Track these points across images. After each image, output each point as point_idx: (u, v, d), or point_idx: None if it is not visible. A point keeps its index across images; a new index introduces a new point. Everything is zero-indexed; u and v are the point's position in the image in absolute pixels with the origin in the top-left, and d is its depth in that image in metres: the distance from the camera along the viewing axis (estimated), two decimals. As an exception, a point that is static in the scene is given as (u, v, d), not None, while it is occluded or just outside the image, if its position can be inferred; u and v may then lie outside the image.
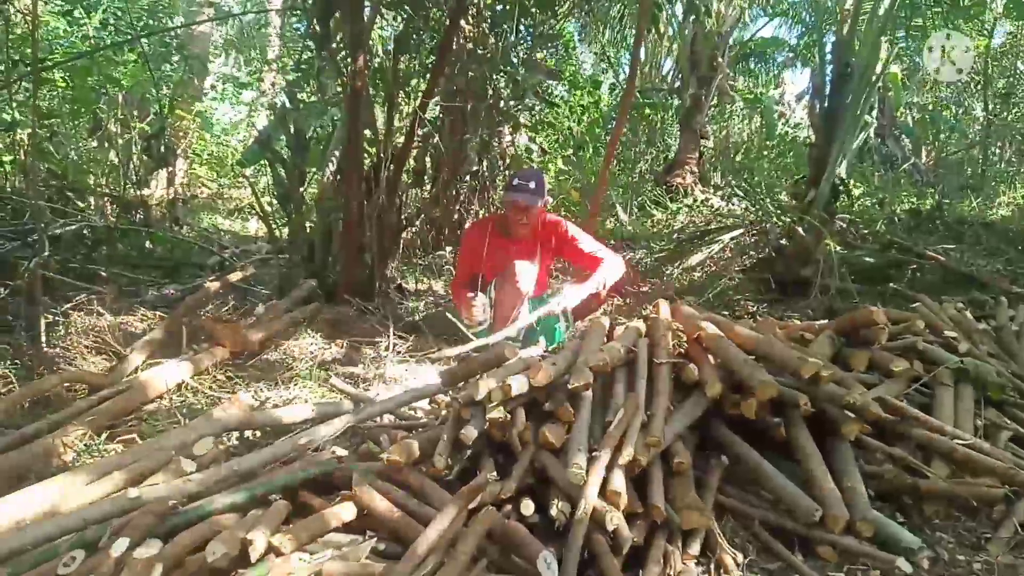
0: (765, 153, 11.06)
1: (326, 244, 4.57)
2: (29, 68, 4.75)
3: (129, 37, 5.45)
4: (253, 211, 8.04)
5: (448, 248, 5.94)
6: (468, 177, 5.83)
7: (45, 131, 5.38)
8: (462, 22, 4.88)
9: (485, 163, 5.94)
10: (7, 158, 5.87)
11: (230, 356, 3.12)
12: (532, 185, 3.32)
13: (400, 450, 1.94)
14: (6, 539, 1.60)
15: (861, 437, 2.16)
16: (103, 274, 4.05)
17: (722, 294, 4.52)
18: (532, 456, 1.93)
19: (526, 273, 3.31)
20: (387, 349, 3.35)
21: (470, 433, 1.94)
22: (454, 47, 4.77)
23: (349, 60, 3.97)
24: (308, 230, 4.75)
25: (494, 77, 5.57)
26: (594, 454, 1.84)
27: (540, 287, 3.54)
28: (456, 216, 5.99)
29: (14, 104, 5.30)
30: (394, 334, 3.51)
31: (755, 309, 4.24)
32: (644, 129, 10.22)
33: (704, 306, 3.98)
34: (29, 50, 5.39)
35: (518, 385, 1.97)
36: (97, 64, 5.50)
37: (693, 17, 7.45)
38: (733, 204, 7.24)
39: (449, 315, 3.44)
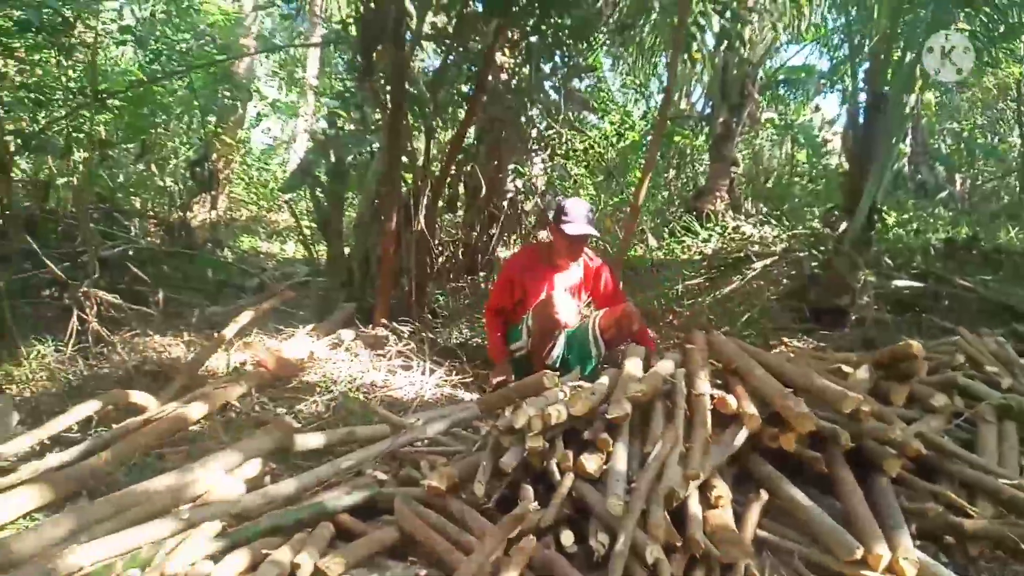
0: (796, 180, 11.01)
1: (364, 268, 4.66)
2: (89, 97, 4.98)
3: (180, 68, 5.67)
4: (291, 234, 8.22)
5: (481, 273, 6.01)
6: (503, 204, 5.91)
7: (97, 156, 5.59)
8: (498, 55, 5.00)
9: (518, 190, 6.02)
10: (60, 181, 6.10)
11: (273, 378, 3.20)
12: (588, 217, 3.38)
13: (440, 476, 1.98)
14: (62, 558, 1.64)
15: (902, 473, 2.15)
16: (152, 296, 4.16)
17: (755, 323, 4.51)
18: (570, 485, 1.95)
19: (564, 302, 3.35)
20: (424, 373, 3.40)
21: (509, 461, 1.98)
22: (490, 78, 4.89)
23: (389, 90, 4.08)
24: (346, 254, 4.85)
25: (528, 106, 5.68)
26: (633, 485, 1.86)
27: (577, 318, 3.57)
28: (489, 242, 6.07)
29: (68, 129, 5.53)
30: (431, 358, 3.57)
31: (789, 339, 4.22)
32: (674, 156, 10.26)
33: (737, 335, 3.98)
34: (83, 79, 5.65)
35: (557, 414, 2.01)
36: (148, 92, 5.73)
37: (725, 45, 7.48)
38: (765, 232, 7.21)
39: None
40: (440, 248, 4.86)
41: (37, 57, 5.42)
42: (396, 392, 3.27)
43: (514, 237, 6.52)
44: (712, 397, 2.25)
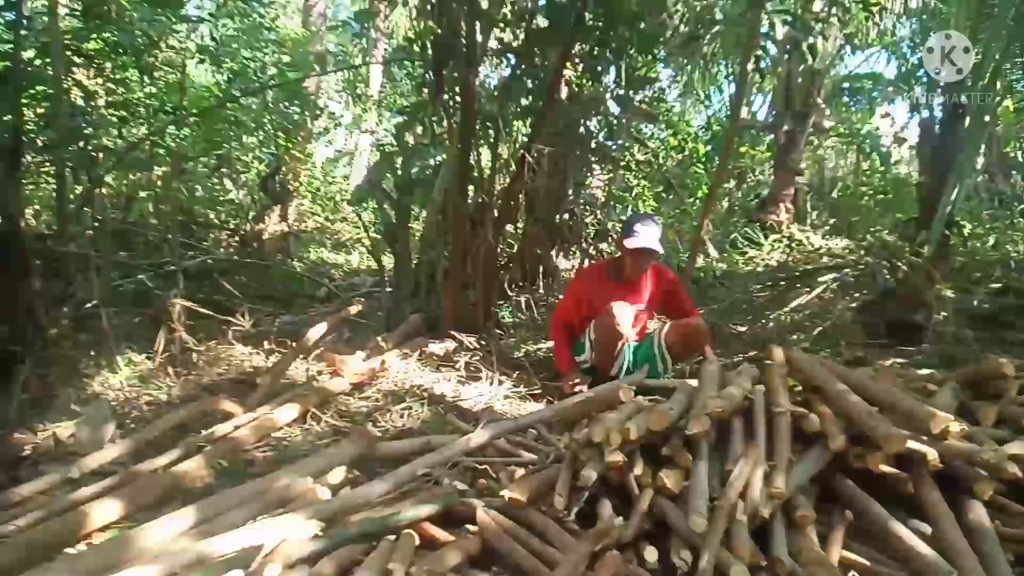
0: (864, 189, 10.70)
1: (431, 280, 4.75)
2: (170, 114, 5.24)
3: (255, 86, 5.92)
4: (355, 245, 8.44)
5: (542, 284, 6.04)
6: (566, 216, 5.94)
7: (176, 170, 5.86)
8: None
9: (580, 202, 6.04)
10: (143, 194, 6.41)
11: (347, 387, 3.29)
12: (656, 230, 3.39)
13: (520, 488, 2.01)
14: (157, 565, 1.71)
15: (995, 497, 2.07)
16: (236, 307, 4.33)
17: (828, 338, 4.40)
18: (650, 501, 1.96)
19: (626, 315, 3.36)
20: (492, 384, 3.45)
21: (589, 475, 1.99)
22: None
23: (459, 105, 4.17)
24: (414, 266, 4.95)
25: (589, 119, 5.70)
26: (716, 503, 1.85)
27: (643, 332, 3.57)
28: (549, 254, 6.10)
29: (150, 145, 5.83)
30: (498, 370, 3.62)
31: (864, 355, 4.10)
32: (735, 167, 10.11)
33: (809, 351, 3.89)
34: (164, 96, 5.94)
35: (637, 429, 2.01)
36: (224, 109, 5.99)
37: (790, 55, 7.35)
38: (834, 243, 7.03)
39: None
40: (507, 260, 4.91)
41: (122, 76, 5.73)
42: (466, 403, 3.32)
43: (574, 249, 6.54)
44: (793, 414, 2.22)
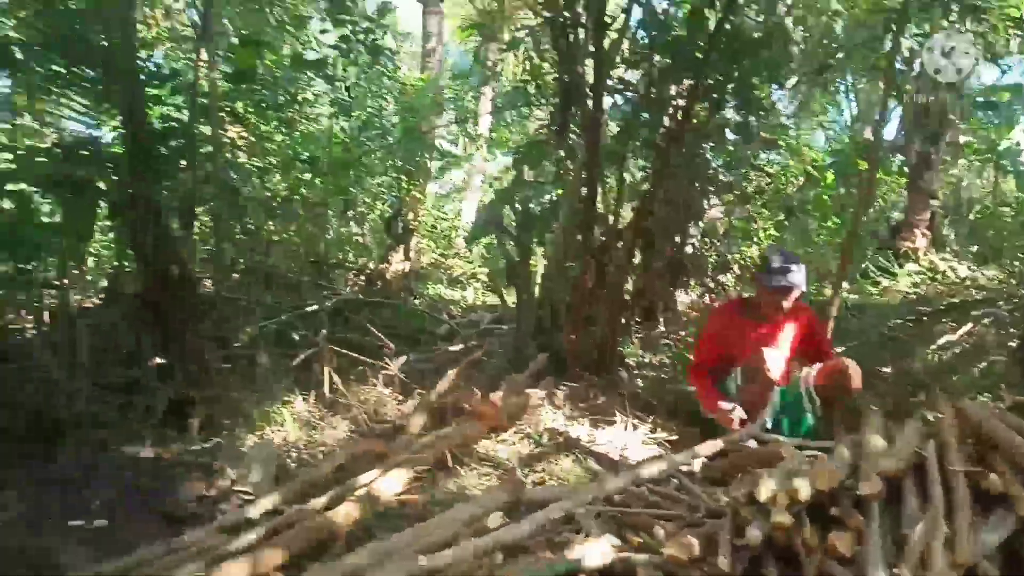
0: (1005, 211, 9.89)
1: (554, 318, 4.79)
2: (306, 164, 5.63)
3: (379, 132, 6.26)
4: (471, 281, 8.66)
5: (662, 317, 5.96)
6: (686, 249, 5.85)
7: (310, 214, 6.26)
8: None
9: (700, 235, 5.94)
10: (276, 238, 6.85)
11: (485, 431, 3.36)
12: (796, 268, 3.29)
13: (680, 546, 1.97)
14: None
15: None
16: (381, 346, 4.52)
17: (984, 380, 4.07)
18: (819, 565, 1.87)
19: (776, 361, 3.25)
20: (627, 429, 3.42)
21: (755, 536, 1.93)
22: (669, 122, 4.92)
23: (583, 143, 4.23)
24: (536, 303, 5.01)
25: (709, 149, 5.62)
26: (895, 571, 1.75)
27: (787, 375, 3.44)
28: (669, 289, 6.01)
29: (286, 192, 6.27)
30: (632, 412, 3.58)
31: (1028, 400, 3.76)
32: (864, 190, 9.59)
33: (964, 395, 3.61)
34: (298, 146, 6.38)
35: (805, 490, 1.94)
36: (353, 156, 6.36)
37: (921, 73, 6.97)
38: (981, 272, 6.53)
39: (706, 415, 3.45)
40: (631, 297, 4.88)
41: (264, 130, 6.20)
42: (601, 447, 3.31)
43: (694, 283, 6.42)
44: (971, 473, 2.07)
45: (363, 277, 6.92)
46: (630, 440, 3.33)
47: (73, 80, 3.81)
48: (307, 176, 6.14)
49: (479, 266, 9.53)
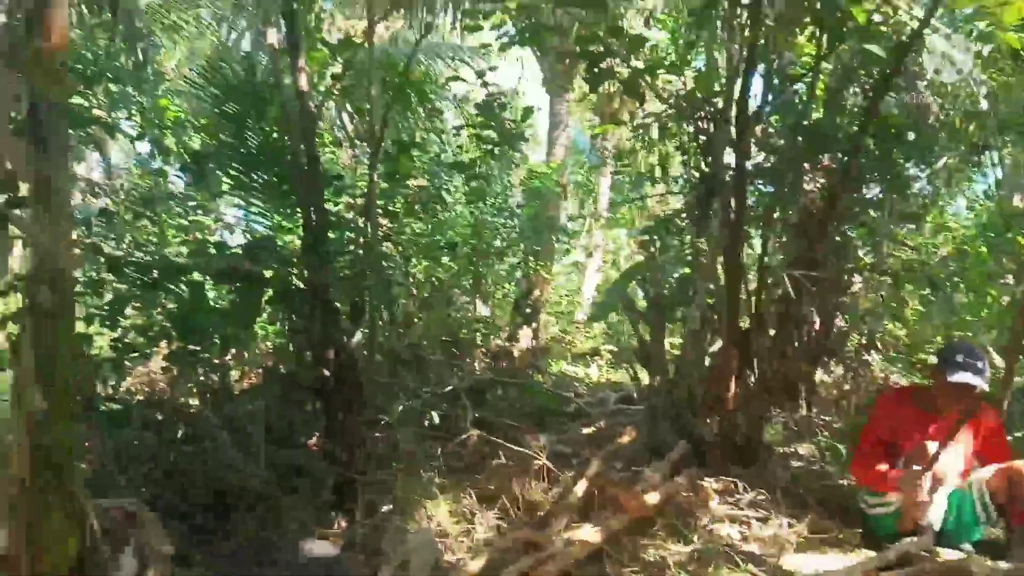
0: None
1: (691, 402, 4.69)
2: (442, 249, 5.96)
3: (509, 215, 6.55)
4: (595, 357, 8.66)
5: (804, 401, 5.69)
6: (823, 329, 5.62)
7: (443, 296, 6.56)
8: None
9: (842, 314, 5.70)
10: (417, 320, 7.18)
11: (628, 522, 3.31)
12: (980, 364, 3.10)
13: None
14: None
15: None
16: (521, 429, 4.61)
17: None
18: None
19: (946, 459, 3.03)
20: (782, 527, 3.27)
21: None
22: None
23: (724, 230, 4.24)
24: (671, 385, 4.93)
25: (850, 228, 5.45)
26: None
27: (960, 475, 3.19)
28: (807, 371, 5.76)
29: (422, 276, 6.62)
30: (786, 509, 3.42)
31: None
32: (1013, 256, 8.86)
33: None
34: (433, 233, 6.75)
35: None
36: (482, 239, 6.68)
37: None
38: None
39: (865, 507, 3.27)
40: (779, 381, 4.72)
41: (407, 221, 6.62)
42: (753, 546, 3.17)
43: (834, 363, 6.13)
44: None
45: (490, 355, 7.09)
46: (786, 540, 3.17)
47: (253, 183, 4.28)
48: (443, 259, 6.47)
49: (602, 342, 9.51)
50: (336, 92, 5.06)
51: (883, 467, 3.20)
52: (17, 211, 1.94)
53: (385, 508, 3.30)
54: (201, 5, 8.57)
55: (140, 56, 6.40)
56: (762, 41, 3.97)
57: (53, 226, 1.96)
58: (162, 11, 8.50)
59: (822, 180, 5.06)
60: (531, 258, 7.31)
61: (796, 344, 5.42)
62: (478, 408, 5.56)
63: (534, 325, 7.29)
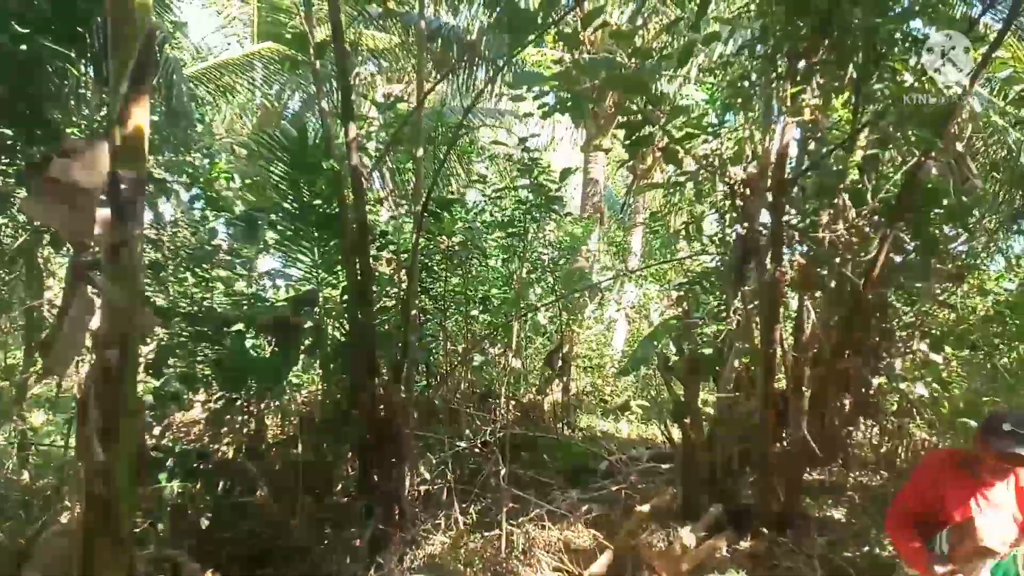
0: None
1: (727, 465, 4.64)
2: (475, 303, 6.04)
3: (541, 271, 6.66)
4: (627, 413, 8.59)
5: (840, 464, 5.58)
6: (861, 391, 5.54)
7: (476, 349, 6.61)
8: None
9: (880, 376, 5.62)
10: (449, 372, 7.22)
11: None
12: None
13: None
14: None
15: None
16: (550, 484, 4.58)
17: None
18: None
19: (991, 528, 2.95)
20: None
21: None
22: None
23: (759, 293, 4.26)
24: (706, 446, 4.89)
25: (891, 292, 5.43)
26: None
27: (1008, 545, 3.10)
28: (849, 432, 5.67)
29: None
30: (825, 578, 3.35)
31: None
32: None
33: None
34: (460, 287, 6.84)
35: None
36: (515, 294, 6.75)
37: None
38: None
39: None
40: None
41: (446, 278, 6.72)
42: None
43: (870, 424, 6.04)
44: None
45: (522, 409, 7.08)
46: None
47: (300, 239, 4.43)
48: (476, 313, 6.55)
49: (632, 396, 9.44)
50: (384, 155, 5.23)
51: (917, 544, 3.12)
52: (95, 272, 2.07)
53: (418, 563, 3.31)
54: (255, 68, 9.00)
55: (189, 121, 6.71)
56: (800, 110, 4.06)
57: (125, 288, 2.09)
58: (216, 73, 8.95)
59: (858, 241, 5.08)
60: (563, 312, 7.35)
61: (835, 406, 5.36)
62: (511, 462, 5.57)
63: (565, 379, 7.29)
